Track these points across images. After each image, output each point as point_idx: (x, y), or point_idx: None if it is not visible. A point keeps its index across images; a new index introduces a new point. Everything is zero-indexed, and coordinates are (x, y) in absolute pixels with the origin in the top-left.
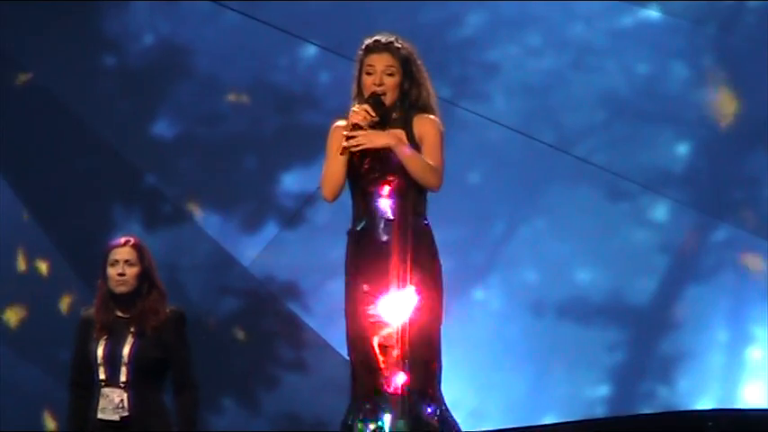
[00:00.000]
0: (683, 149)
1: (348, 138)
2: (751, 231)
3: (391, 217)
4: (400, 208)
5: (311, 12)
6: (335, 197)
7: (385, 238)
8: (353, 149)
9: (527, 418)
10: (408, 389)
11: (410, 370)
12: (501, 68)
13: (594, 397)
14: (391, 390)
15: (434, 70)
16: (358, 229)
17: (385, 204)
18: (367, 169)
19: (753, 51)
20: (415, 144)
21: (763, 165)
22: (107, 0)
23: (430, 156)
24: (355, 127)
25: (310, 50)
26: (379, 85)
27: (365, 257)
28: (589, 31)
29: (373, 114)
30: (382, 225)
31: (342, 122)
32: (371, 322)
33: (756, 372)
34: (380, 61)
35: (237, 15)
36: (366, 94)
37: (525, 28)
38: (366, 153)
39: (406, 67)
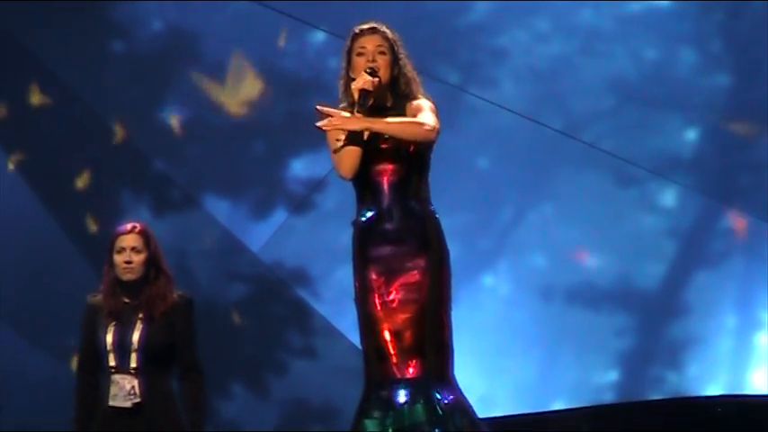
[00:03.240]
0: (691, 135)
1: (334, 123)
2: (759, 216)
3: (396, 205)
4: (404, 196)
5: None
6: (354, 174)
7: (391, 226)
8: (327, 129)
9: (536, 404)
10: (424, 374)
11: (424, 355)
12: (509, 54)
13: (603, 383)
14: (406, 376)
15: (443, 56)
16: (364, 219)
17: (389, 193)
18: (371, 159)
19: (760, 36)
20: None
21: None
22: None
23: (422, 117)
24: (363, 92)
25: (319, 36)
26: (372, 61)
27: (373, 246)
28: (597, 17)
29: (375, 78)
30: (388, 214)
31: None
32: (382, 310)
33: (765, 357)
34: (371, 42)
35: (246, 1)
36: (357, 75)
37: (533, 13)
38: (373, 142)
39: (395, 51)
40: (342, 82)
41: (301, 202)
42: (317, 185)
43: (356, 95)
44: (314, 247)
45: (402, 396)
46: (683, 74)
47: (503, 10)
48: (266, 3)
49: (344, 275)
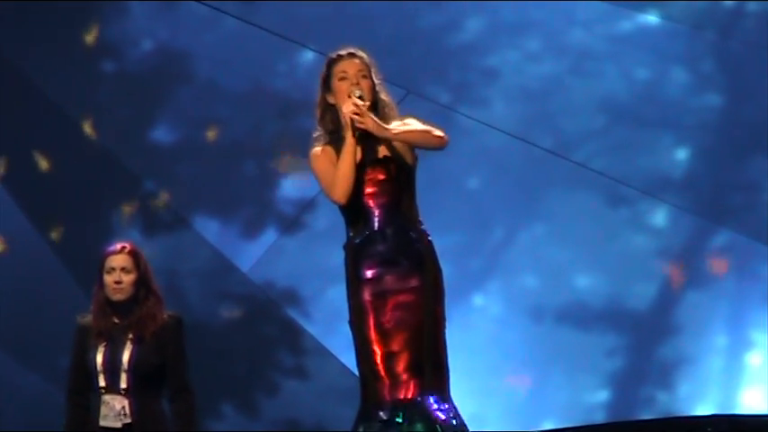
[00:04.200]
0: (682, 155)
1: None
2: (750, 236)
3: (389, 227)
4: (396, 217)
5: (310, 17)
6: (348, 197)
7: (384, 247)
8: (359, 127)
9: (526, 424)
10: (421, 394)
11: (421, 375)
12: (500, 74)
13: (594, 402)
14: (404, 396)
15: (434, 76)
16: (357, 241)
17: (381, 215)
18: (360, 183)
19: (752, 56)
20: (398, 153)
21: (762, 170)
22: (107, 0)
23: (425, 127)
24: (355, 116)
25: (309, 56)
26: (356, 84)
27: (367, 268)
28: (588, 37)
29: (364, 102)
30: (381, 235)
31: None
32: (378, 331)
33: (756, 377)
34: (352, 66)
35: (236, 21)
36: (341, 100)
37: (524, 33)
38: (363, 166)
39: (372, 76)
40: (319, 109)
41: (292, 222)
42: (307, 205)
43: (347, 120)
44: (304, 267)
45: (401, 416)
46: (675, 93)
47: (494, 30)
48: (256, 22)
49: (335, 295)
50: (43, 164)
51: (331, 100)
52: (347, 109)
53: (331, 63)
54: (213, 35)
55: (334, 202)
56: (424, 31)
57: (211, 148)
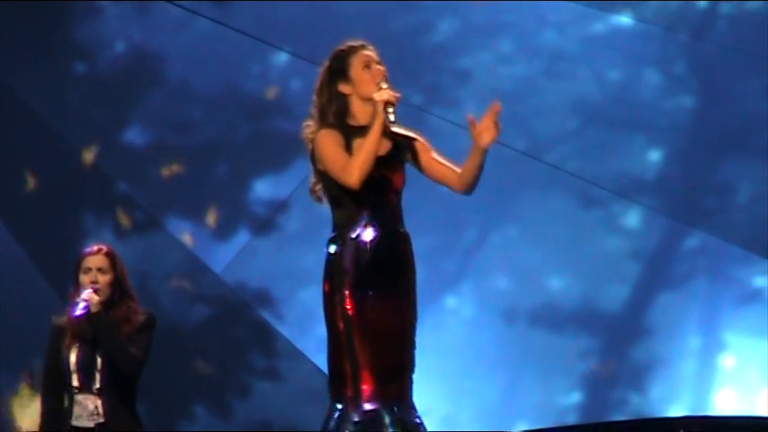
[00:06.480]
0: (655, 156)
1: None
2: (723, 238)
3: (384, 228)
4: (391, 218)
5: (283, 19)
6: (361, 184)
7: (378, 249)
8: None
9: (499, 425)
10: (404, 396)
11: (404, 376)
12: (473, 75)
13: (567, 404)
14: (389, 398)
15: (406, 77)
16: (346, 244)
17: (381, 212)
18: (377, 177)
19: (724, 57)
20: (402, 155)
21: (734, 171)
22: (79, 0)
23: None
24: (387, 104)
25: (282, 57)
26: (383, 76)
27: (358, 270)
28: (561, 38)
29: (396, 93)
30: (376, 237)
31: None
32: (367, 333)
33: (728, 379)
34: (374, 56)
35: (209, 22)
36: (364, 89)
37: (497, 35)
38: (378, 162)
39: None
40: (322, 99)
41: (264, 223)
42: (279, 207)
43: (379, 108)
44: (277, 268)
45: (386, 417)
46: (647, 95)
47: (466, 31)
48: (230, 24)
49: (308, 297)
50: (16, 166)
51: (346, 90)
52: (381, 96)
53: (349, 52)
54: (186, 37)
55: (347, 185)
56: (396, 33)
57: (184, 150)
